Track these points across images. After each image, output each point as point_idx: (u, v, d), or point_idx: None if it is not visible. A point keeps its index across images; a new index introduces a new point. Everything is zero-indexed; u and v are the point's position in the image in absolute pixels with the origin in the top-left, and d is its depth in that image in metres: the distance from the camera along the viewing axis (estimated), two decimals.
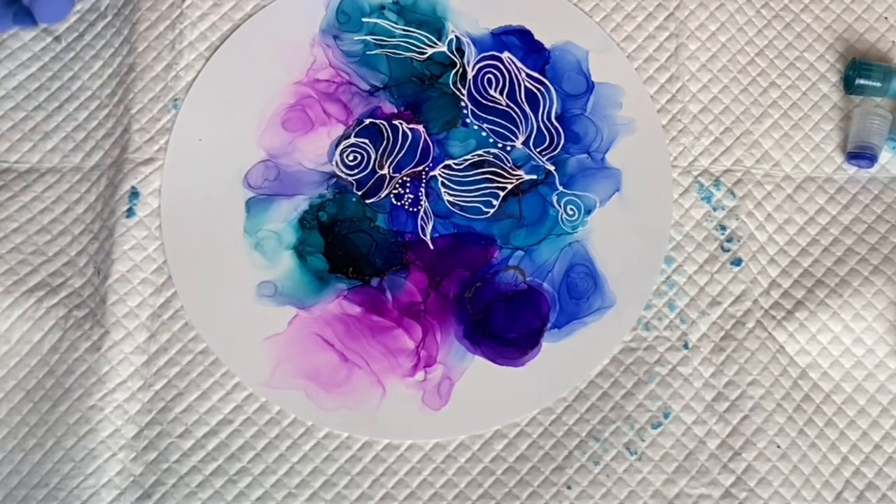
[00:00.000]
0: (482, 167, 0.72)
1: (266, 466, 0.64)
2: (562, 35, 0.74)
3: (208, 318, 0.67)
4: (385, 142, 0.72)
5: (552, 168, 0.72)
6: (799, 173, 0.72)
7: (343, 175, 0.71)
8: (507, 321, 0.68)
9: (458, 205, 0.71)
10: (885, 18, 0.76)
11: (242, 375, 0.66)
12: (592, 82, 0.73)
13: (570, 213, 0.71)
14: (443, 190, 0.71)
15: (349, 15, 0.75)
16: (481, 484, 0.64)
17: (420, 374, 0.67)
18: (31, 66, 0.74)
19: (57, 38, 0.75)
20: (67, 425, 0.64)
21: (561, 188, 0.71)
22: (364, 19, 0.75)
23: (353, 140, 0.72)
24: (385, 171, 0.71)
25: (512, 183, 0.71)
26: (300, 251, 0.70)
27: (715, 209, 0.70)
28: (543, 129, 0.72)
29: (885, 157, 0.72)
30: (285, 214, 0.70)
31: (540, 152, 0.72)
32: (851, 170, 0.72)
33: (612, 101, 0.73)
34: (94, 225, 0.70)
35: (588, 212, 0.71)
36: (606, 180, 0.71)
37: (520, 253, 0.70)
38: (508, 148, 0.72)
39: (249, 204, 0.70)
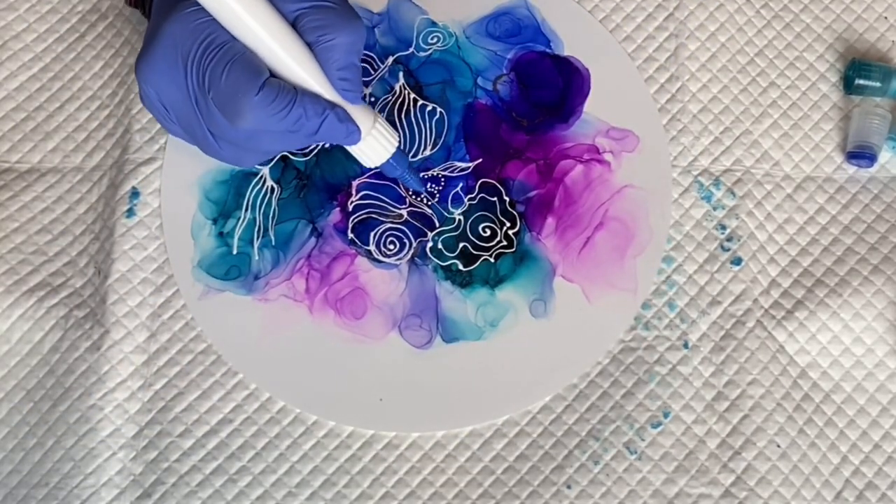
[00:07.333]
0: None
1: (266, 465, 0.64)
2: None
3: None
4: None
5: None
6: (798, 173, 0.72)
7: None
8: None
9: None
10: (885, 18, 0.76)
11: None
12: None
13: None
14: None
15: None
16: (481, 483, 0.64)
17: None
18: (33, 66, 0.74)
19: (58, 39, 0.75)
20: (67, 424, 0.64)
21: None
22: None
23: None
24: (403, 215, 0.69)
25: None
26: None
27: (715, 208, 0.70)
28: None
29: (884, 156, 0.72)
30: None
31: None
32: (851, 169, 0.72)
33: None
34: (96, 225, 0.70)
35: None
36: None
37: None
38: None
39: None
